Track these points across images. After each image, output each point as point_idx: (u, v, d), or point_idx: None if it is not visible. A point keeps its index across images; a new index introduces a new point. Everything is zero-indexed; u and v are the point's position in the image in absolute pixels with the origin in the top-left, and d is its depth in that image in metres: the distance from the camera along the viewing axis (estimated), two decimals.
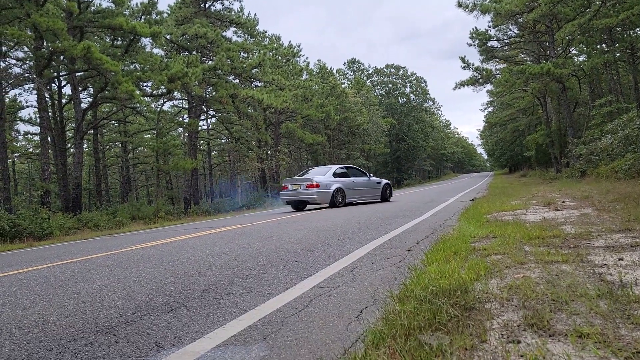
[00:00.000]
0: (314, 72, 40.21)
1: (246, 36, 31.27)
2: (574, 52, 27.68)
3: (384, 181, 14.76)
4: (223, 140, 46.54)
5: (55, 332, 2.45)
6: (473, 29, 27.26)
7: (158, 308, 2.78)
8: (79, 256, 6.19)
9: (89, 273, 4.45)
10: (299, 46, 36.72)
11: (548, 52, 25.26)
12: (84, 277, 4.23)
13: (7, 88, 17.39)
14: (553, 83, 24.67)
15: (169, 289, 3.34)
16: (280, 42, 35.63)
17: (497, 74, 26.30)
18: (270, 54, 29.98)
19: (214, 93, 25.87)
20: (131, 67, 20.58)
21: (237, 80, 27.64)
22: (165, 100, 30.04)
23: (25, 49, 20.32)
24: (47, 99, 19.33)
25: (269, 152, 33.21)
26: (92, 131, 27.34)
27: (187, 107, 29.94)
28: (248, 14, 28.36)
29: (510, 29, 28.85)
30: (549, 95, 29.50)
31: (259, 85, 28.51)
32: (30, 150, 34.76)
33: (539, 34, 25.98)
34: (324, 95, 36.99)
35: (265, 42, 33.64)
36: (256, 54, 26.91)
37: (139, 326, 2.42)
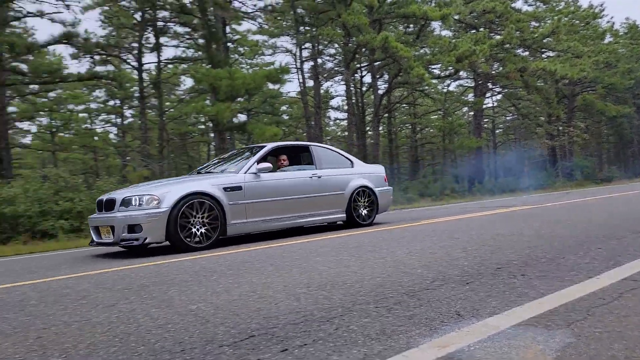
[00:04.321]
0: (620, 34, 33.74)
1: (537, 4, 28.50)
2: None
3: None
4: (508, 117, 44.10)
5: (370, 290, 2.86)
6: None
7: (454, 280, 2.99)
8: (380, 227, 7.09)
9: (391, 242, 5.08)
10: (601, 5, 31.29)
11: None
12: (387, 245, 4.86)
13: (322, 81, 20.93)
14: None
15: (462, 263, 3.53)
16: (578, 3, 31.07)
17: None
18: (566, 19, 26.57)
19: (500, 69, 24.82)
20: (421, 51, 21.58)
21: (527, 53, 25.75)
22: (451, 80, 30.39)
23: (336, 45, 23.81)
24: (352, 88, 22.25)
25: (561, 127, 29.87)
26: (387, 115, 30.06)
27: (472, 85, 29.54)
28: None
29: None
30: None
31: (551, 55, 25.87)
32: (339, 133, 40.69)
33: None
34: (633, 59, 30.78)
35: (560, 7, 29.92)
36: (549, 21, 24.45)
37: (438, 294, 2.66)
